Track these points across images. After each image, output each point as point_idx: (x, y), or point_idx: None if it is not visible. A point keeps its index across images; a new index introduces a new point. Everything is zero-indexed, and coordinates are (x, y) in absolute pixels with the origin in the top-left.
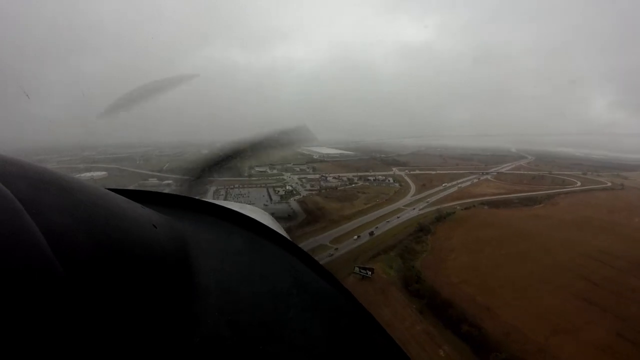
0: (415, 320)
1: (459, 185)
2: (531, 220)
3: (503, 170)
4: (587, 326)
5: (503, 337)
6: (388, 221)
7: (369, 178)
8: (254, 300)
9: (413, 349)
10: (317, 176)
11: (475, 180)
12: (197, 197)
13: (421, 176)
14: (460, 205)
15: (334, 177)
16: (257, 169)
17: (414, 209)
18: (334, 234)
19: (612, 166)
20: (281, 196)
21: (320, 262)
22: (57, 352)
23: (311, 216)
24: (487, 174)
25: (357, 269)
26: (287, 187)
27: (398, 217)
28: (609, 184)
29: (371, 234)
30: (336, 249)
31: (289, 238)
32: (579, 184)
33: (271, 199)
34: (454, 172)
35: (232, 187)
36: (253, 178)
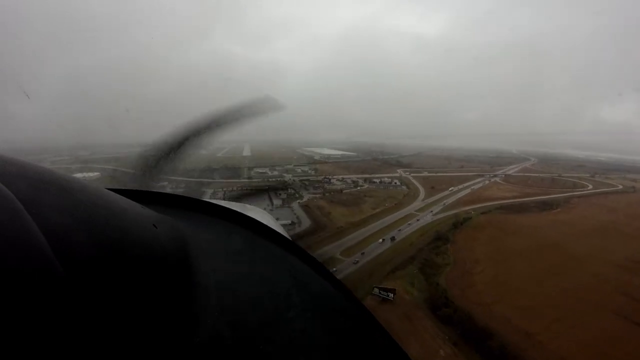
0: (450, 356)
1: (470, 188)
2: (553, 226)
3: (510, 172)
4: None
5: None
6: (400, 229)
7: (375, 180)
8: (254, 301)
9: None
10: (320, 178)
11: (486, 183)
12: (197, 197)
13: (428, 178)
14: (474, 210)
15: (338, 179)
16: (256, 170)
17: (426, 214)
18: (344, 244)
19: (616, 168)
20: (283, 200)
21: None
22: (57, 352)
23: (316, 223)
24: (495, 176)
25: (376, 289)
26: (290, 190)
27: (409, 225)
28: (620, 186)
29: (392, 239)
30: (356, 262)
31: (289, 238)
32: (590, 187)
33: (272, 203)
34: (461, 174)
35: (230, 189)
36: (253, 180)
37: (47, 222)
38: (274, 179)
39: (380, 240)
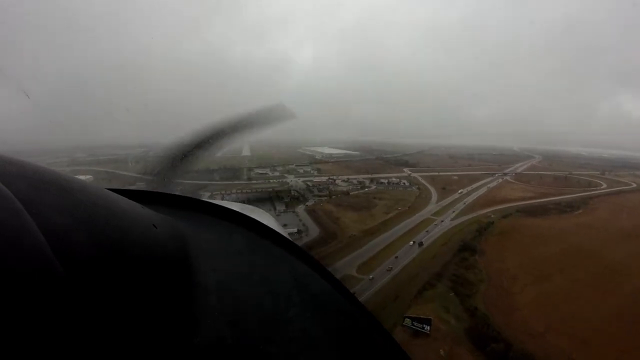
0: None
1: (485, 188)
2: (579, 231)
3: (518, 170)
4: None
5: None
6: (412, 241)
7: (382, 181)
8: (254, 300)
9: None
10: (325, 179)
11: (498, 182)
12: (197, 197)
13: (437, 178)
14: (493, 213)
15: (343, 180)
16: (257, 170)
17: (444, 219)
18: (360, 257)
19: (623, 165)
20: (286, 204)
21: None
22: (57, 352)
23: (325, 231)
24: (505, 175)
25: (408, 320)
26: (293, 193)
27: (428, 232)
28: (634, 184)
29: (420, 244)
30: (372, 278)
31: (289, 238)
32: (604, 185)
33: (275, 208)
34: (470, 173)
35: (229, 192)
36: (253, 182)
37: (47, 222)
38: (275, 180)
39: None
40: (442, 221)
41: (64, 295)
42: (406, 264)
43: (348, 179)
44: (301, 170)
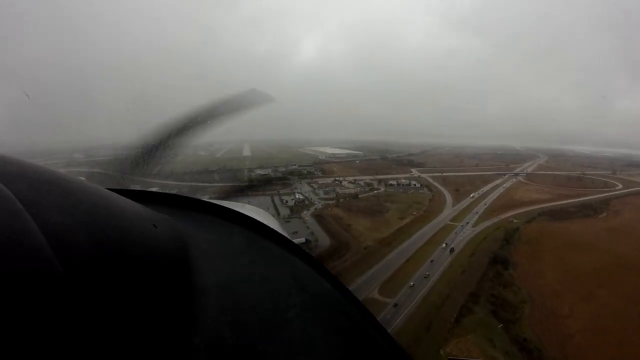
0: None
1: (497, 190)
2: (611, 237)
3: (528, 170)
4: None
5: None
6: (444, 246)
7: (392, 183)
8: (254, 300)
9: None
10: (330, 180)
11: (512, 182)
12: (197, 197)
13: (447, 179)
14: (515, 217)
15: (350, 181)
16: (258, 171)
17: (464, 225)
18: (380, 274)
19: (629, 163)
20: (291, 208)
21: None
22: (57, 352)
23: (336, 240)
24: (517, 175)
25: None
26: (297, 196)
27: (447, 243)
28: None
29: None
30: (395, 305)
31: (289, 238)
32: (620, 186)
33: (278, 213)
34: (479, 173)
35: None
36: (254, 183)
37: (47, 222)
38: (277, 181)
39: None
40: (463, 227)
41: (64, 296)
42: (435, 280)
43: (355, 180)
44: (305, 171)
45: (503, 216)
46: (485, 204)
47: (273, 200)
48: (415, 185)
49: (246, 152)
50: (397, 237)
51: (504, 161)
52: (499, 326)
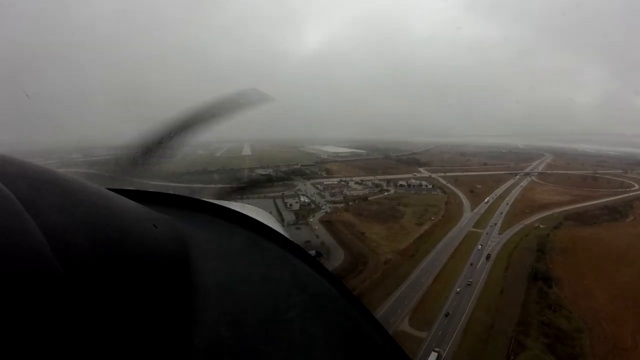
0: None
1: (513, 191)
2: None
3: (539, 169)
4: None
5: None
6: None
7: (401, 183)
8: (254, 300)
9: None
10: (336, 181)
11: (526, 183)
12: (197, 197)
13: (458, 179)
14: (540, 222)
15: (357, 182)
16: (259, 171)
17: (489, 232)
18: (408, 298)
19: (637, 162)
20: (296, 212)
21: None
22: (57, 352)
23: (351, 253)
24: (529, 175)
25: None
26: (302, 199)
27: (479, 250)
28: None
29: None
30: (437, 350)
31: (289, 238)
32: (636, 186)
33: (282, 218)
34: (490, 173)
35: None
36: (254, 184)
37: (47, 222)
38: (280, 182)
39: (457, 289)
40: (489, 235)
41: (64, 296)
42: (473, 304)
43: (362, 180)
44: (308, 171)
45: (527, 221)
46: (506, 206)
47: (276, 204)
48: (426, 186)
49: (246, 151)
50: (419, 247)
51: (511, 160)
52: (534, 348)
